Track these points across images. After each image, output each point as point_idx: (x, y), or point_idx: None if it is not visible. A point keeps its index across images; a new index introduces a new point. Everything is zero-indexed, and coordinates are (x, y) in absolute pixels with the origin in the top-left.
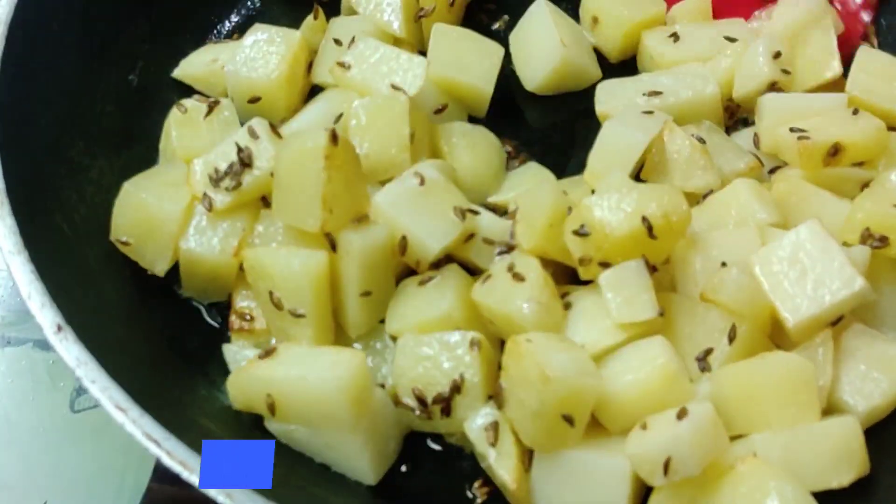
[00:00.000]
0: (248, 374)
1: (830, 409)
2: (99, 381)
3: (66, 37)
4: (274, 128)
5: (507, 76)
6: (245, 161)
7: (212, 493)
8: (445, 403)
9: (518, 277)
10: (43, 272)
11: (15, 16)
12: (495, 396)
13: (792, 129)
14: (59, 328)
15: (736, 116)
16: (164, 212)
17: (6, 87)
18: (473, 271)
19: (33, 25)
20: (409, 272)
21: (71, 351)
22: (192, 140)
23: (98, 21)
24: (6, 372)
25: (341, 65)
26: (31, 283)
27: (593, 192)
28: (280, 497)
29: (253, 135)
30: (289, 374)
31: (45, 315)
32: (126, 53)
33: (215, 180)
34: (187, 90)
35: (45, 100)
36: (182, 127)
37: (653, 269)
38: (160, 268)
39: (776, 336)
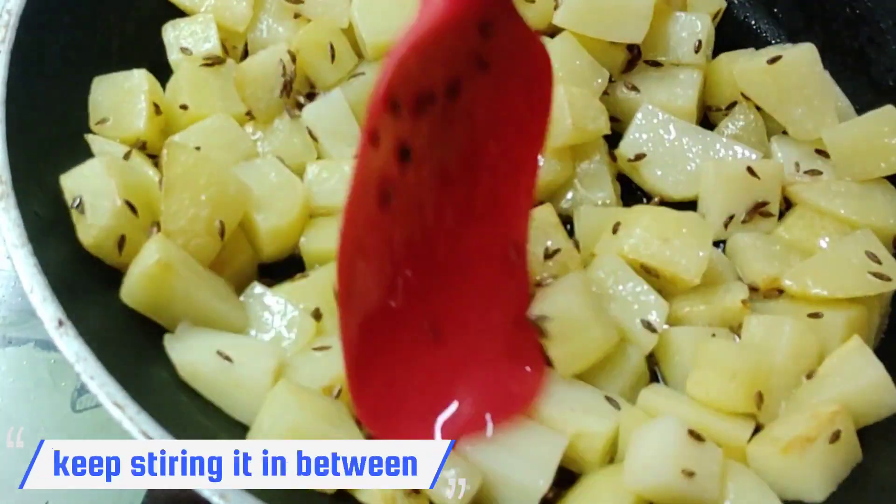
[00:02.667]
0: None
1: None
2: (97, 377)
3: (77, 30)
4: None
5: None
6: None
7: (205, 492)
8: None
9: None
10: (45, 266)
11: (26, 7)
12: None
13: None
14: (61, 323)
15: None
16: (134, 77)
17: (14, 80)
18: None
19: (44, 18)
20: None
21: (71, 346)
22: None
23: (109, 14)
24: (7, 372)
25: None
26: (34, 277)
27: None
28: (273, 497)
29: None
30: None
31: (47, 309)
32: (137, 48)
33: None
34: None
35: (54, 93)
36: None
37: None
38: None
39: None
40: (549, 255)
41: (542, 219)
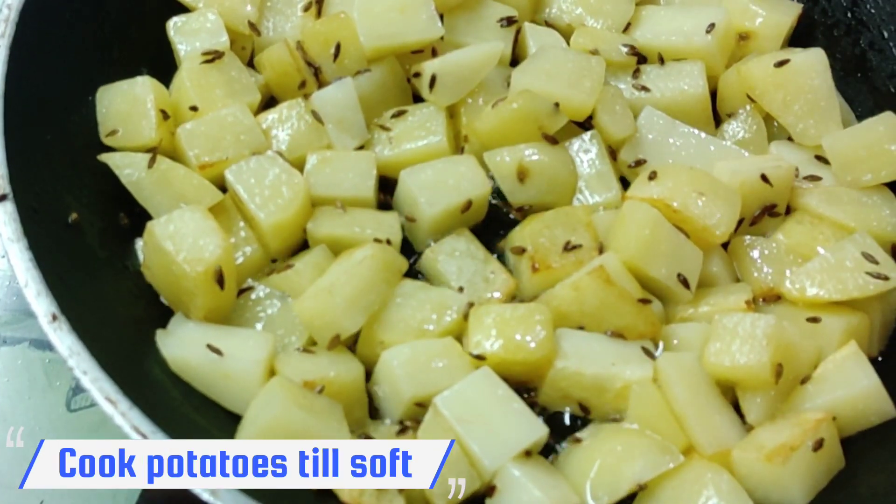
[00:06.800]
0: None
1: None
2: (90, 372)
3: (78, 26)
4: None
5: None
6: None
7: (196, 490)
8: None
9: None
10: (41, 260)
11: (26, 2)
12: None
13: None
14: (54, 317)
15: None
16: (138, 85)
17: (13, 76)
18: None
19: (44, 12)
20: None
21: (64, 340)
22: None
23: (110, 9)
24: (2, 371)
25: None
26: (29, 271)
27: None
28: (263, 496)
29: None
30: None
31: (41, 303)
32: (138, 43)
33: None
34: None
35: (53, 89)
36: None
37: None
38: (150, 134)
39: None
40: (568, 248)
41: (576, 216)
